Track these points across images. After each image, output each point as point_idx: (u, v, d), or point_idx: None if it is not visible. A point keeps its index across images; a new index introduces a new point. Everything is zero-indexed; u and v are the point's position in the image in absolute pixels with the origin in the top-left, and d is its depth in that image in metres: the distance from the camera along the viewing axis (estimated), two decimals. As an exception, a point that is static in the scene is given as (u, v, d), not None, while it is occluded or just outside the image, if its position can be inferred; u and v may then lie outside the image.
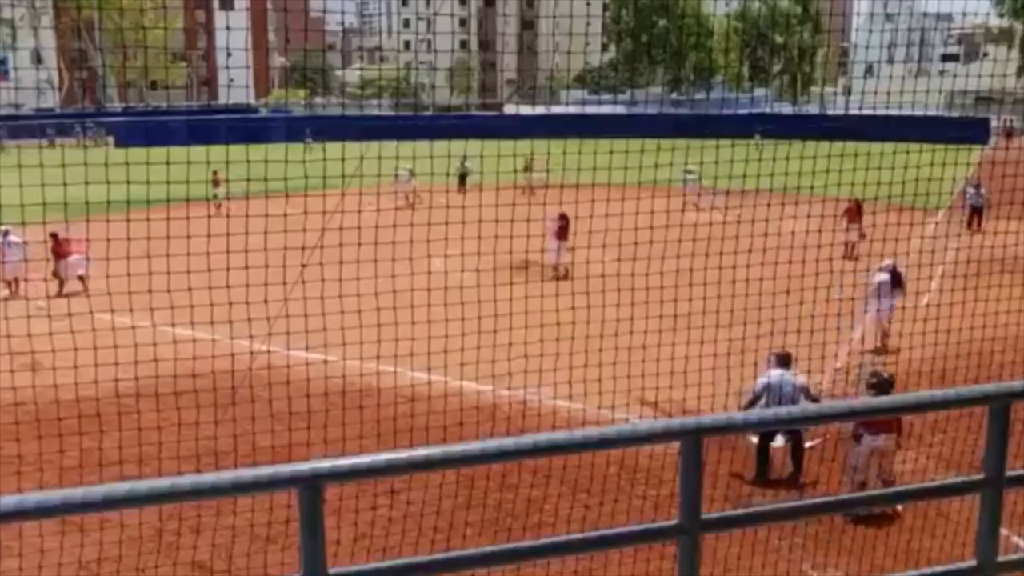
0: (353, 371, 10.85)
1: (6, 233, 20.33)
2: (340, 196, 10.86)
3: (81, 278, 20.13)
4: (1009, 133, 43.11)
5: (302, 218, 10.02)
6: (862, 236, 21.83)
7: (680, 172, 26.77)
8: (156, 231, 9.60)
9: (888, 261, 16.42)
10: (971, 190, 28.10)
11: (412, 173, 32.76)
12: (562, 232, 22.04)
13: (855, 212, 23.60)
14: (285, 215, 10.17)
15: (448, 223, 10.67)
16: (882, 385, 10.28)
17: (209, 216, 12.01)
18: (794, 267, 12.23)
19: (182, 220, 10.30)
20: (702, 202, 25.72)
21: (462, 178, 34.24)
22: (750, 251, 12.07)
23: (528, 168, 29.91)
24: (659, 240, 11.53)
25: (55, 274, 20.03)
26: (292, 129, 44.83)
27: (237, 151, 11.00)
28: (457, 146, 14.39)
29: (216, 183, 29.59)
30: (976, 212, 27.93)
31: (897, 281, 16.46)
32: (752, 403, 11.22)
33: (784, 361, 11.44)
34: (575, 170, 12.39)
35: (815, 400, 11.27)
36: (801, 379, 11.40)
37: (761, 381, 11.41)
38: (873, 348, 15.92)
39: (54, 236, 19.66)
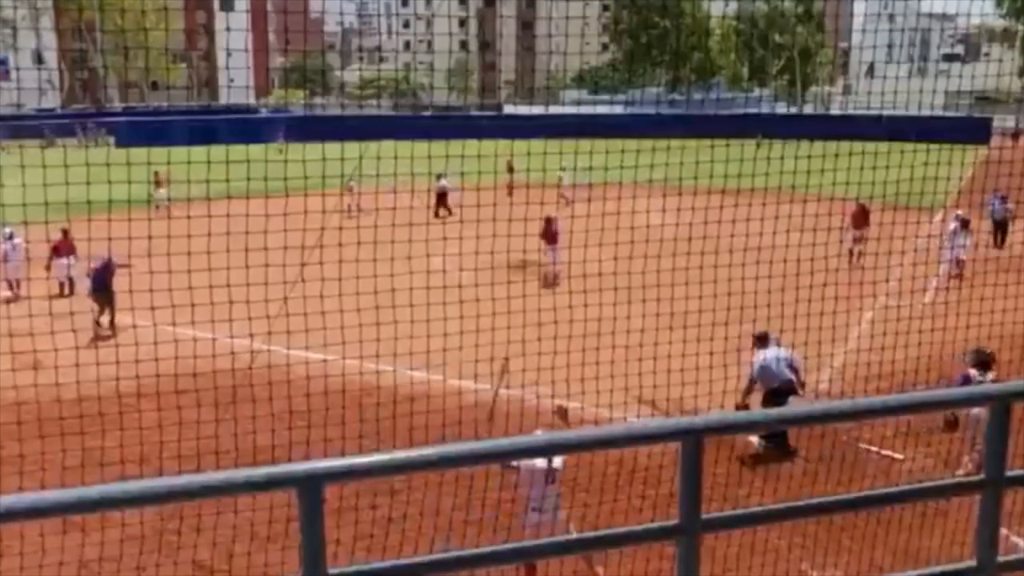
0: (353, 371, 10.84)
1: (11, 235, 20.13)
2: (340, 196, 10.85)
3: (62, 284, 20.00)
4: (1016, 135, 43.09)
5: (300, 218, 10.02)
6: (866, 240, 20.51)
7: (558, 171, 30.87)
8: (144, 231, 9.61)
9: (960, 212, 21.58)
10: (996, 202, 24.83)
11: (354, 178, 29.86)
12: (551, 235, 20.87)
13: (860, 216, 21.79)
14: (285, 215, 10.16)
15: (446, 223, 10.66)
16: (984, 362, 11.04)
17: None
18: (790, 265, 12.25)
19: (183, 220, 10.29)
20: (570, 196, 28.66)
21: (440, 197, 28.65)
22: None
23: (510, 168, 30.13)
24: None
25: (47, 269, 19.74)
26: (293, 129, 44.92)
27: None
28: (453, 147, 14.34)
29: (158, 184, 28.03)
30: (1000, 226, 25.18)
31: (967, 226, 21.30)
32: (751, 387, 11.79)
33: (764, 340, 12.14)
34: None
35: (797, 370, 12.12)
36: (785, 351, 12.17)
37: (756, 366, 11.93)
38: (948, 282, 18.86)
39: (64, 232, 19.31)
